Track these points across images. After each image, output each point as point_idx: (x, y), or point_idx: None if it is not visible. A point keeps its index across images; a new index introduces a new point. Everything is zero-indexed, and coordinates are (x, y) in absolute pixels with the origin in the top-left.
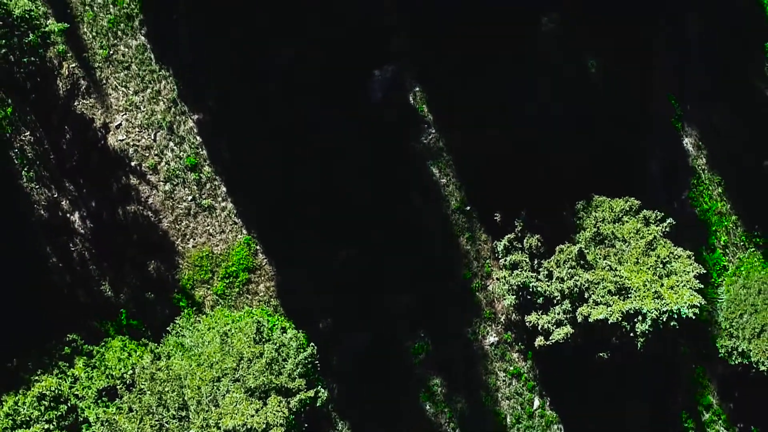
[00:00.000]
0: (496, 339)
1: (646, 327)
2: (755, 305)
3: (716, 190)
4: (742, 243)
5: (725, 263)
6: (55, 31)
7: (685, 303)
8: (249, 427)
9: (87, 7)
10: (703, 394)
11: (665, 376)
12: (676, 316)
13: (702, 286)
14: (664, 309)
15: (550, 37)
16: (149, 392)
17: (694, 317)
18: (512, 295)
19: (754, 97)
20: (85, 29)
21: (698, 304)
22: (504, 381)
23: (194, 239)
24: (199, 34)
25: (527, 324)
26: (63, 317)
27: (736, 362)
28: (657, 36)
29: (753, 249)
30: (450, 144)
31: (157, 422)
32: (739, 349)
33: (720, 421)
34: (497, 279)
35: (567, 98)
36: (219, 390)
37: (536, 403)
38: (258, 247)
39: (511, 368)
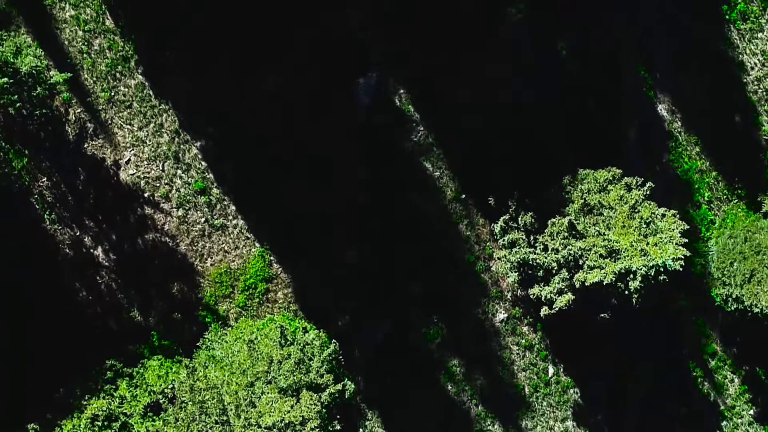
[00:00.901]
0: (506, 315)
1: (638, 284)
2: (743, 253)
3: (694, 150)
4: (725, 196)
5: (711, 217)
6: (60, 82)
7: (670, 256)
8: (287, 422)
9: (85, 55)
10: (706, 343)
11: (669, 332)
12: (662, 270)
13: (686, 239)
14: (651, 264)
15: (518, 27)
16: (191, 402)
17: (681, 269)
18: (515, 271)
19: (717, 57)
20: (86, 75)
21: (682, 257)
22: (518, 354)
23: (211, 258)
24: (192, 66)
25: (531, 297)
26: (99, 345)
27: (732, 308)
28: (619, 12)
29: (736, 201)
30: (439, 139)
31: (201, 429)
32: (733, 296)
33: (726, 367)
34: (499, 258)
35: (542, 82)
36: (254, 393)
37: (551, 371)
38: (272, 258)
39: (523, 341)
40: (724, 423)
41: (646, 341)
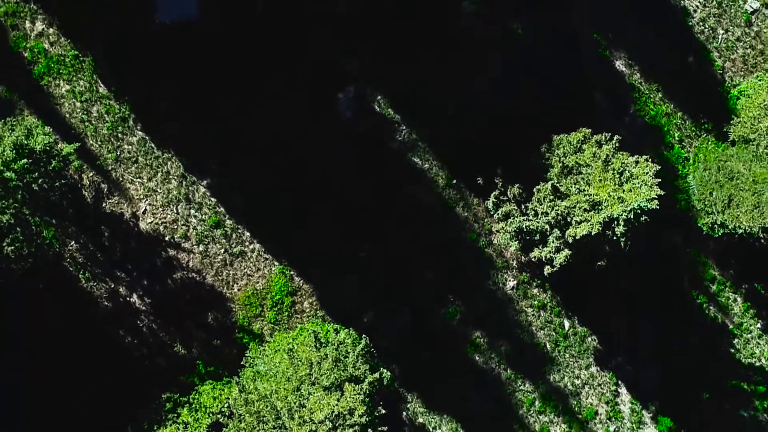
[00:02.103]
0: (515, 282)
1: (622, 229)
2: (719, 181)
3: (657, 96)
4: (693, 133)
5: (685, 155)
6: (70, 152)
7: (644, 198)
8: (336, 413)
9: (86, 123)
10: (704, 271)
11: (667, 267)
12: (641, 212)
13: (659, 179)
14: (629, 209)
15: (474, 16)
16: (247, 415)
17: (657, 207)
18: (514, 240)
19: (661, 7)
20: (91, 141)
21: (656, 196)
22: (533, 315)
23: (237, 283)
24: (184, 112)
25: (534, 260)
26: (154, 382)
27: (720, 234)
28: None
29: (704, 135)
30: (421, 134)
31: None
32: (718, 222)
33: (726, 289)
34: (498, 231)
35: (506, 63)
36: (302, 395)
37: (566, 324)
38: (292, 272)
39: (536, 302)
40: (735, 341)
41: (648, 280)
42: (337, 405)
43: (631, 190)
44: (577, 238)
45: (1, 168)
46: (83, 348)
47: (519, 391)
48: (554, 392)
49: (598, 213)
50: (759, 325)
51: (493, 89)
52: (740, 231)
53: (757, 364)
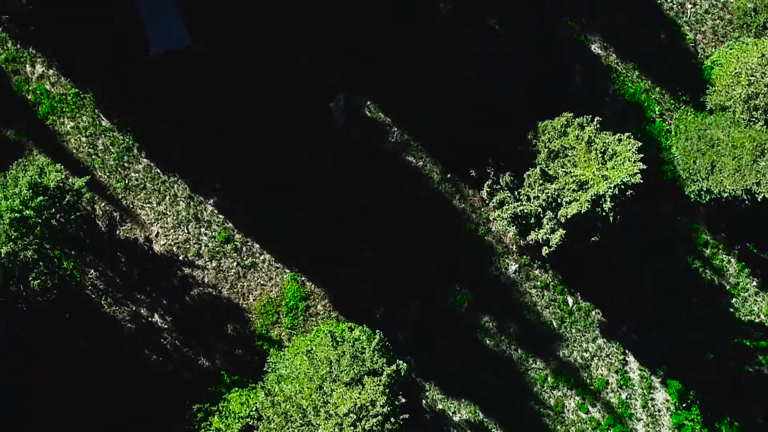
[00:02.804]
0: (517, 266)
1: (609, 204)
2: (701, 149)
3: (634, 74)
4: (672, 105)
5: (667, 127)
6: (82, 186)
7: (626, 174)
8: (359, 405)
9: (93, 156)
10: (697, 236)
11: (661, 237)
12: (626, 187)
13: (641, 155)
14: (613, 185)
15: (453, 17)
16: (275, 416)
17: (641, 181)
18: (511, 226)
19: None
20: (100, 173)
21: (637, 171)
22: (537, 295)
23: (252, 294)
24: (186, 137)
25: (531, 242)
26: (183, 395)
27: (707, 200)
28: None
29: (683, 106)
30: (412, 133)
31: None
32: (704, 189)
33: (720, 251)
34: (494, 219)
35: (486, 59)
36: (325, 392)
37: (570, 301)
38: (303, 278)
39: (538, 283)
40: (734, 300)
41: (644, 250)
42: (359, 398)
43: (614, 168)
44: (568, 217)
45: (21, 207)
46: (113, 371)
47: (531, 369)
48: (565, 367)
49: (586, 192)
50: (755, 283)
51: (476, 84)
52: (725, 195)
53: (757, 320)
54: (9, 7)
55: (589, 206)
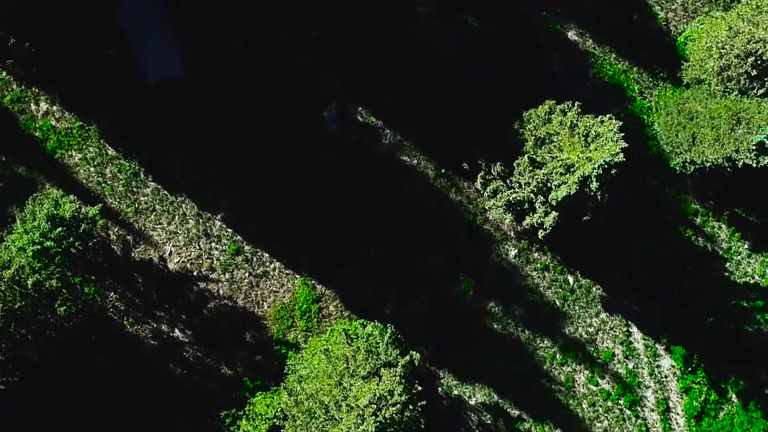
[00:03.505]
0: (516, 251)
1: (596, 184)
2: (681, 123)
3: (611, 56)
4: (651, 83)
5: (647, 105)
6: (95, 213)
7: (608, 154)
8: (378, 396)
9: (103, 184)
10: (686, 206)
11: (652, 210)
12: (609, 166)
13: (623, 134)
14: (597, 165)
15: (432, 20)
16: (299, 414)
17: (624, 159)
18: (507, 213)
19: None
20: (110, 199)
21: (620, 150)
22: (539, 277)
23: (266, 301)
24: (189, 157)
25: (527, 227)
26: (210, 404)
27: (692, 170)
28: None
29: (661, 83)
30: (404, 134)
31: (318, 428)
32: (687, 160)
33: (710, 219)
34: (490, 208)
35: (467, 56)
36: (344, 387)
37: (570, 280)
38: (313, 282)
39: (538, 265)
40: (727, 264)
41: (637, 223)
42: (377, 389)
43: (596, 149)
44: (559, 200)
45: (41, 239)
46: (140, 387)
47: (539, 348)
48: (571, 343)
49: (573, 174)
50: (747, 246)
51: (461, 82)
52: (708, 164)
53: (752, 281)
54: (13, 52)
55: (577, 188)
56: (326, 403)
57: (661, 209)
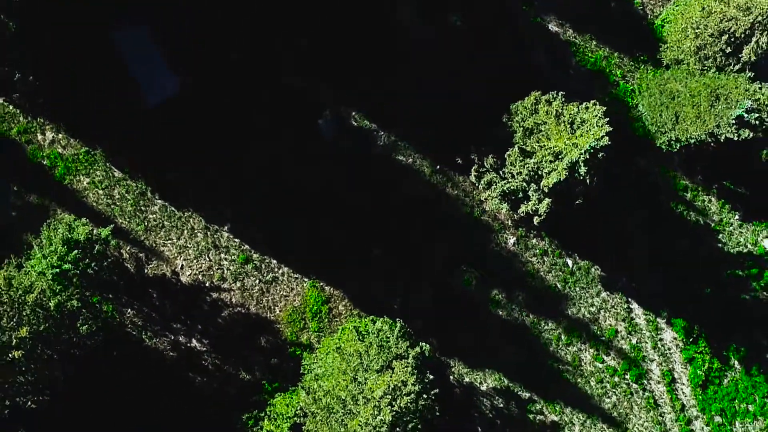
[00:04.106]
0: (515, 239)
1: (584, 169)
2: (664, 103)
3: (592, 44)
4: (632, 67)
5: (630, 88)
6: (107, 234)
7: (593, 138)
8: (392, 386)
9: (112, 206)
10: (675, 183)
11: (644, 189)
12: (595, 150)
13: (607, 118)
14: (583, 151)
15: (415, 22)
16: (318, 410)
17: (609, 142)
18: (503, 203)
19: None
20: (120, 219)
21: (604, 134)
22: (539, 262)
23: (278, 306)
24: (192, 173)
25: (523, 215)
26: (231, 409)
27: (677, 148)
28: None
29: (642, 66)
30: (398, 134)
31: (337, 421)
32: (672, 138)
33: (699, 193)
34: (486, 199)
35: (453, 55)
36: (359, 381)
37: (569, 262)
38: (321, 284)
39: (537, 251)
40: (720, 236)
41: (630, 204)
42: (390, 380)
43: (582, 135)
44: (550, 186)
45: (59, 263)
46: (163, 398)
47: (544, 331)
48: (575, 324)
49: (562, 161)
50: (737, 216)
51: (450, 81)
52: (692, 141)
53: (745, 250)
54: (19, 86)
55: (567, 173)
56: (343, 398)
57: (651, 187)
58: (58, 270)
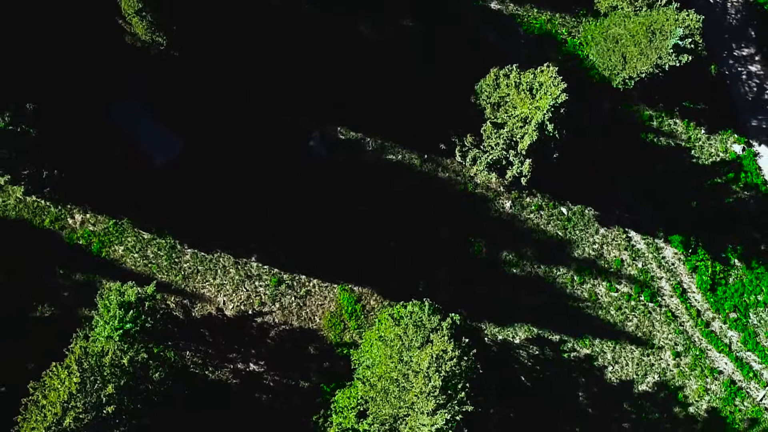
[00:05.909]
0: (510, 202)
1: (551, 127)
2: (609, 48)
3: (533, 13)
4: (575, 23)
5: (578, 41)
6: (153, 290)
7: (552, 98)
8: (435, 356)
9: (150, 265)
10: (640, 114)
11: (614, 129)
12: (556, 108)
13: (561, 77)
14: (545, 111)
15: (373, 31)
16: (377, 395)
17: (567, 97)
18: (491, 173)
19: None
20: (159, 275)
21: (560, 92)
22: (537, 217)
23: (317, 315)
24: (211, 218)
25: (511, 179)
26: (300, 415)
27: (632, 85)
28: None
29: (583, 20)
30: (384, 136)
31: (396, 398)
32: (626, 77)
33: (663, 118)
34: (476, 174)
35: (412, 54)
36: (404, 361)
37: (564, 210)
38: (350, 286)
39: (533, 207)
40: (692, 151)
41: (605, 146)
42: (432, 351)
43: (541, 98)
44: (527, 149)
45: (120, 324)
46: (239, 422)
47: (557, 276)
48: (583, 263)
49: (530, 124)
50: (703, 131)
51: (416, 78)
52: (643, 75)
53: (718, 159)
54: (48, 182)
55: (537, 134)
56: (395, 377)
57: (621, 125)
58: (121, 331)
